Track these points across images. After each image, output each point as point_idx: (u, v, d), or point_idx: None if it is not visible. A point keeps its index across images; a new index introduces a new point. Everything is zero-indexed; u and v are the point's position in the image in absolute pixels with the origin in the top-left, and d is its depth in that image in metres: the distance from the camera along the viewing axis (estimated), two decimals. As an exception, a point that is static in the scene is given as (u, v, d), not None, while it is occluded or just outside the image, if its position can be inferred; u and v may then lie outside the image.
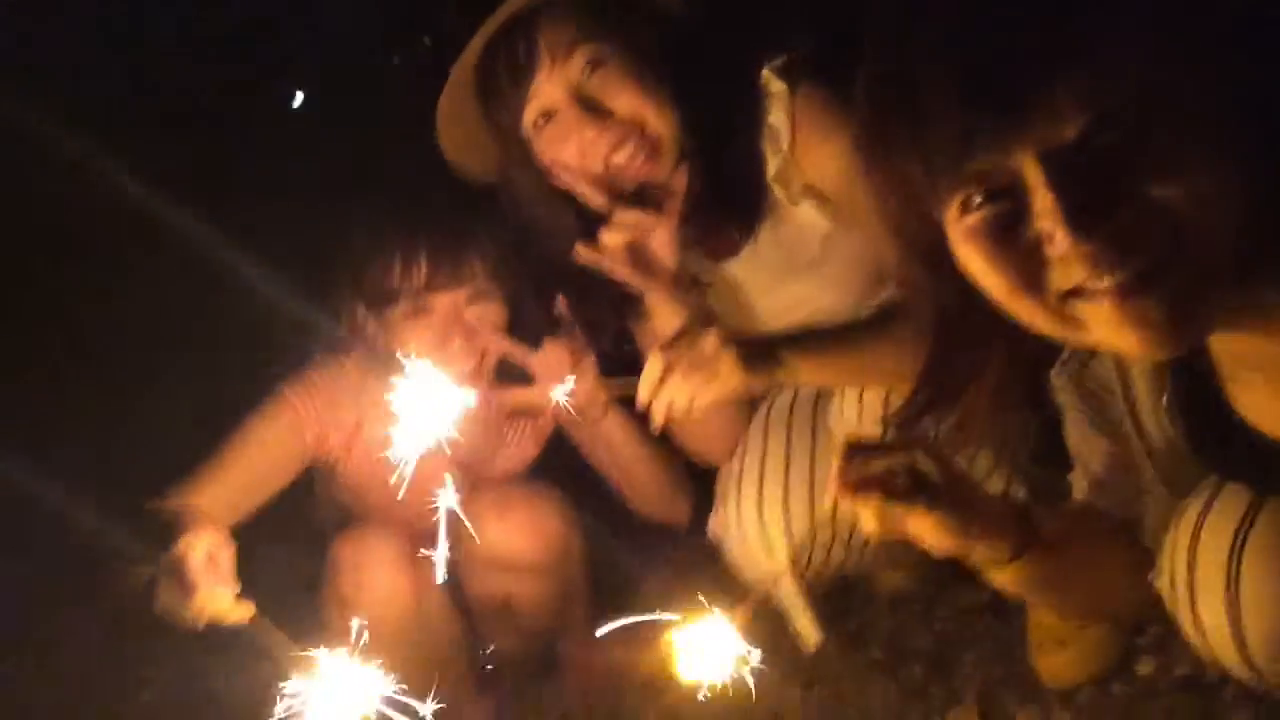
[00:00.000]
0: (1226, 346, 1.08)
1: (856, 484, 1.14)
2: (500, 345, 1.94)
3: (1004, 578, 1.24)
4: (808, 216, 1.75)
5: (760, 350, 1.59)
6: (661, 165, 1.66)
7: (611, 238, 1.67)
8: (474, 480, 2.06)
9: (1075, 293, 0.91)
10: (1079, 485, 1.36)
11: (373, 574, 1.94)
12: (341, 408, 2.01)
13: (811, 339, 1.65)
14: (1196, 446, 1.21)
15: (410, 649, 1.87)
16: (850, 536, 1.76)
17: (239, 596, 1.60)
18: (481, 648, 2.14)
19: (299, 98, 3.06)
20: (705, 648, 1.24)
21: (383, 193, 2.23)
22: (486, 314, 1.94)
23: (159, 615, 1.64)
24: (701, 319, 1.57)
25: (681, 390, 1.47)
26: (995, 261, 0.93)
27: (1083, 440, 1.33)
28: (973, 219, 0.92)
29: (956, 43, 0.88)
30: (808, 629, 1.78)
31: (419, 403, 1.37)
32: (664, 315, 1.73)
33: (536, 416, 2.12)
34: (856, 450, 1.15)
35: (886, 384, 1.65)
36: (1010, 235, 0.91)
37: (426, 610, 1.97)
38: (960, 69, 0.88)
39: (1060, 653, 1.69)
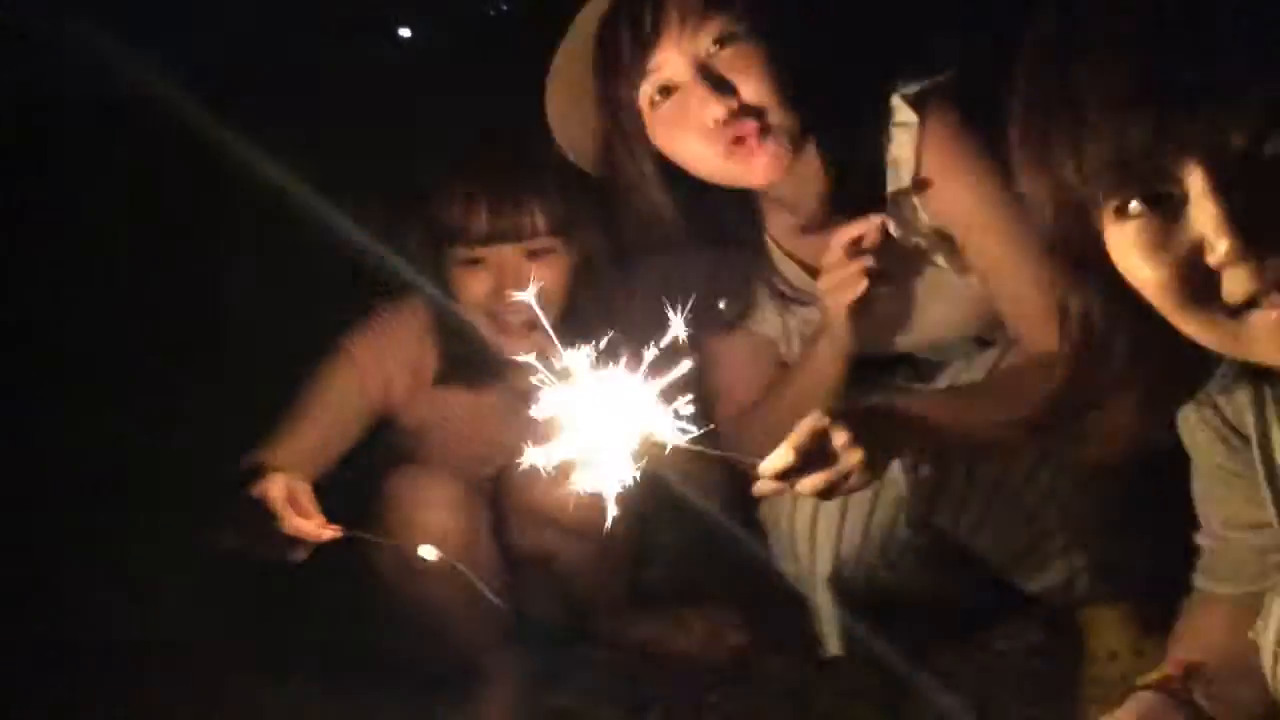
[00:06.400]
0: None
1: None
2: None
3: None
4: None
5: (884, 447, 1.42)
6: (779, 160, 1.55)
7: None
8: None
9: (1249, 304, 0.88)
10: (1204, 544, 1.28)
11: (425, 513, 1.90)
12: (404, 353, 1.99)
13: (921, 413, 1.50)
14: None
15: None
16: (896, 559, 1.74)
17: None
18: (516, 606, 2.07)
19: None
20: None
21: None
22: (544, 271, 1.84)
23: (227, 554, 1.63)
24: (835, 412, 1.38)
25: (805, 486, 1.35)
26: (1158, 270, 0.90)
27: (1211, 490, 1.24)
28: (1131, 225, 0.90)
29: (1122, 42, 0.86)
30: (831, 637, 1.80)
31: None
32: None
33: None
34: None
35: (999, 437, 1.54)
36: (1170, 242, 0.89)
37: (473, 559, 1.93)
38: (1127, 69, 0.85)
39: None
